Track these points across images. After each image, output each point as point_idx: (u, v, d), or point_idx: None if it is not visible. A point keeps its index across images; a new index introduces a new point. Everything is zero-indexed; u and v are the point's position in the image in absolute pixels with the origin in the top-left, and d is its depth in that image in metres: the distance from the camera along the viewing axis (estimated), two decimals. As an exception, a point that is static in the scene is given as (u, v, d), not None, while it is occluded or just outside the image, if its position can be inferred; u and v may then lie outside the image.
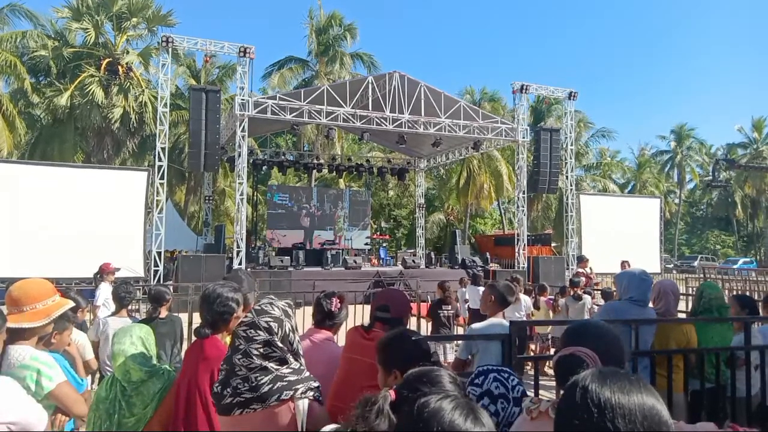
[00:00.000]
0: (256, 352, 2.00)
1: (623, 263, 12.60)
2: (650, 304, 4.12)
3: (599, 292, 8.02)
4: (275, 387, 2.00)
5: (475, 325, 3.70)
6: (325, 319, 3.15)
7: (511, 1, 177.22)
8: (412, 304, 3.33)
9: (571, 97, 21.58)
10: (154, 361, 2.82)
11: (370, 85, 18.03)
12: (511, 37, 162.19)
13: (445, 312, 7.41)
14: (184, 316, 5.32)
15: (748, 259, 42.83)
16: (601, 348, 1.76)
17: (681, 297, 4.60)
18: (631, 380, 1.13)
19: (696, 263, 38.98)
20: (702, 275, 15.91)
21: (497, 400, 1.83)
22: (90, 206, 14.75)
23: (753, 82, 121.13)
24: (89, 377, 4.55)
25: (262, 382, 1.99)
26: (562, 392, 1.24)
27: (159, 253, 16.14)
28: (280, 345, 2.04)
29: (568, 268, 20.36)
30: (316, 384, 2.13)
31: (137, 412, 2.63)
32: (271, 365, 2.02)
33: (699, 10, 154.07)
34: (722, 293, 4.30)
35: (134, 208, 15.48)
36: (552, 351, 8.03)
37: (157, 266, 15.99)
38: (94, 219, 14.67)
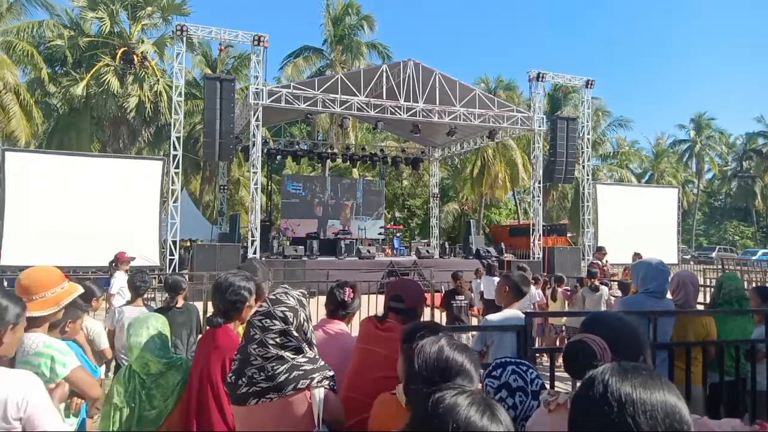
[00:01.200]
0: (272, 342, 1.99)
1: (635, 255, 12.43)
2: (669, 296, 4.05)
3: (616, 283, 7.94)
4: (291, 376, 1.99)
5: (491, 317, 3.66)
6: (338, 309, 3.14)
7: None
8: (425, 294, 3.30)
9: (588, 86, 21.32)
10: (171, 352, 2.82)
11: (384, 74, 17.95)
12: (526, 25, 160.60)
13: (458, 302, 7.39)
14: (198, 305, 5.34)
15: (767, 250, 42.19)
16: (612, 337, 1.72)
17: (699, 288, 4.52)
18: (652, 376, 1.09)
19: (714, 254, 38.54)
20: (721, 266, 15.72)
21: (515, 393, 1.80)
22: (105, 195, 14.87)
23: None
24: (104, 366, 4.59)
25: (279, 371, 1.98)
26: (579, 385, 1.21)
27: (174, 242, 16.25)
28: (295, 334, 2.03)
29: (583, 259, 20.22)
30: (331, 373, 2.12)
31: (157, 404, 2.64)
32: (287, 354, 2.01)
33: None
34: (742, 284, 4.23)
35: (149, 197, 15.58)
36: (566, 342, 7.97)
37: (173, 255, 16.10)
38: (109, 208, 14.79)
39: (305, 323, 2.09)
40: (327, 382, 2.08)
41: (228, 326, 2.77)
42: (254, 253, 16.43)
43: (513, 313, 3.59)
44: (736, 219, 57.17)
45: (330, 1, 31.12)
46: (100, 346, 4.39)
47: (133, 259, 7.94)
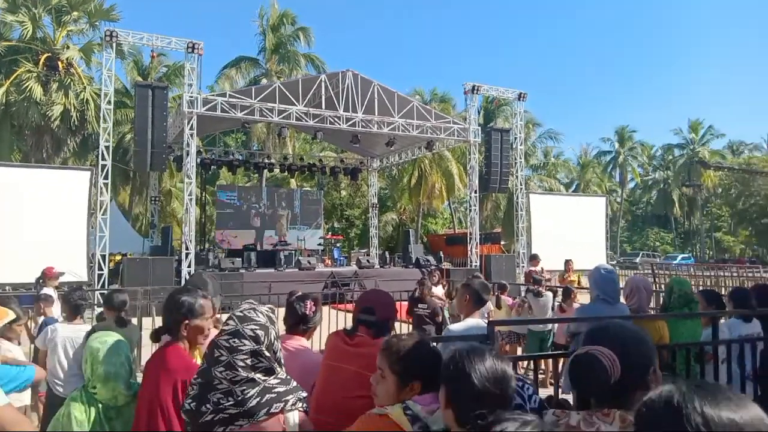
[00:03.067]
0: (242, 364, 1.82)
1: (567, 262, 12.77)
2: (623, 300, 4.13)
3: (561, 289, 8.09)
4: (264, 400, 1.82)
5: (453, 327, 3.59)
6: (299, 323, 3.01)
7: (451, 4, 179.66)
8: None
9: (521, 98, 21.88)
10: (134, 380, 2.61)
11: (323, 84, 17.79)
12: (455, 40, 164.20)
13: (420, 310, 7.32)
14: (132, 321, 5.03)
15: (686, 255, 44.59)
16: (620, 348, 1.65)
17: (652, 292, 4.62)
18: (734, 394, 0.99)
19: (638, 260, 40.33)
20: (651, 271, 16.38)
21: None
22: (29, 207, 13.98)
23: (689, 84, 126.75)
24: (29, 390, 4.21)
25: (249, 395, 1.81)
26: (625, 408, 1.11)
27: (103, 256, 15.48)
28: (267, 354, 1.87)
29: (518, 266, 20.66)
30: (304, 394, 1.98)
31: None
32: (258, 376, 1.84)
33: (637, 17, 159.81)
34: (692, 289, 4.34)
35: (76, 209, 14.76)
36: (519, 349, 8.09)
37: (102, 270, 15.32)
38: (34, 221, 13.91)
39: (276, 341, 1.94)
40: (301, 405, 1.93)
41: (178, 346, 2.56)
42: (189, 266, 15.86)
43: (475, 322, 3.53)
44: (656, 226, 60.24)
45: (264, 11, 30.77)
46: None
47: (62, 274, 7.46)
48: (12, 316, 2.53)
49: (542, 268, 13.81)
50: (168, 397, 2.36)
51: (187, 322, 2.51)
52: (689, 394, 0.98)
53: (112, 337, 2.79)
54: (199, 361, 2.58)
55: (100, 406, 2.46)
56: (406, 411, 1.71)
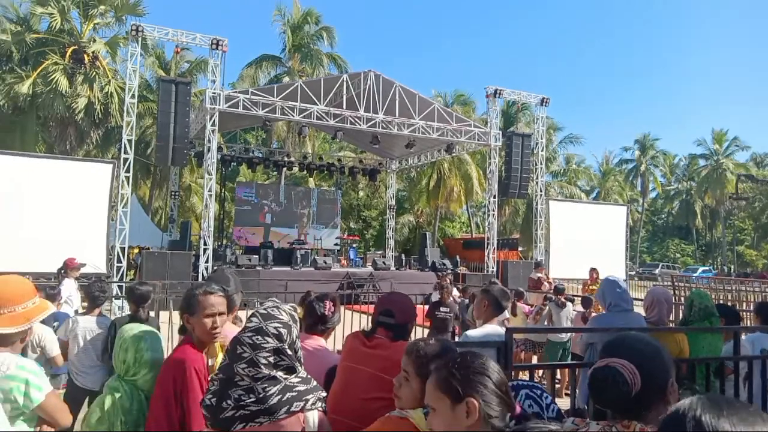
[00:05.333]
0: (264, 361, 1.83)
1: (592, 270, 12.59)
2: (642, 312, 4.10)
3: (580, 299, 8.03)
4: (285, 398, 1.83)
5: (471, 332, 3.58)
6: (317, 323, 3.03)
7: (476, 7, 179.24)
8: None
9: (543, 103, 21.72)
10: None
11: (345, 84, 17.83)
12: (481, 43, 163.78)
13: (441, 314, 7.30)
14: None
15: (707, 268, 43.97)
16: (638, 360, 1.64)
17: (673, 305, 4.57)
18: (748, 409, 0.99)
19: (657, 271, 39.79)
20: (671, 283, 16.10)
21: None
22: (52, 198, 14.13)
23: (714, 94, 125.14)
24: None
25: (271, 392, 1.82)
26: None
27: (123, 249, 15.65)
28: (289, 353, 1.88)
29: (536, 273, 20.50)
30: (324, 394, 1.99)
31: None
32: (279, 374, 1.85)
33: (655, 23, 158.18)
34: (712, 302, 4.28)
35: (98, 201, 14.91)
36: (534, 358, 8.02)
37: (120, 262, 15.49)
38: (55, 212, 14.07)
39: (297, 340, 1.95)
40: (320, 404, 1.94)
41: (187, 341, 2.58)
42: (206, 261, 15.98)
43: (493, 328, 3.51)
44: (677, 237, 59.46)
45: (283, 9, 30.84)
46: (51, 353, 4.12)
47: (83, 265, 7.55)
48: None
49: (546, 275, 13.72)
50: (159, 386, 2.42)
51: (186, 316, 2.53)
52: (694, 404, 1.01)
53: (147, 326, 2.84)
54: (217, 360, 2.60)
55: (142, 394, 2.49)
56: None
